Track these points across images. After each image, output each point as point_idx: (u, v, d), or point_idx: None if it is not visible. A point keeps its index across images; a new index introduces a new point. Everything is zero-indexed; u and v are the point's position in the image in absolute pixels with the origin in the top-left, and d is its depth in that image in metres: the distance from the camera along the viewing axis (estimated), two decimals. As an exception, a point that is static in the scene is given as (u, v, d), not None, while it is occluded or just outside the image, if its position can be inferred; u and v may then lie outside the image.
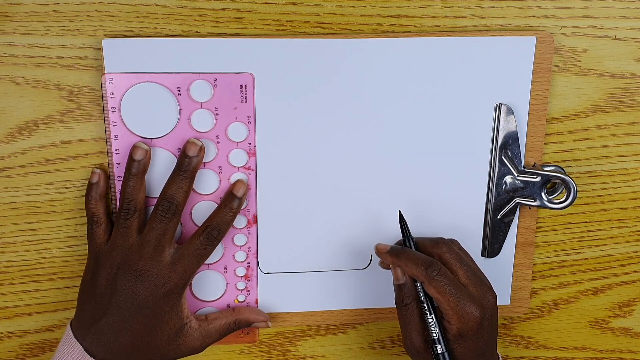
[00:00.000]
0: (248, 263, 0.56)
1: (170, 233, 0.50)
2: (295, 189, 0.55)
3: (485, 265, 0.56)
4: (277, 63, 0.51)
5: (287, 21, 0.51)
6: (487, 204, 0.57)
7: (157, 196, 0.51)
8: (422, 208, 0.56)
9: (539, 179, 0.56)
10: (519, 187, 0.56)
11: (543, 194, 0.56)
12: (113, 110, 0.51)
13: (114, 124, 0.51)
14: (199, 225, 0.53)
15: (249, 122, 0.53)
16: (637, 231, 0.61)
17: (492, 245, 0.58)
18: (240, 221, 0.55)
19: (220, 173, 0.53)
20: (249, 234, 0.55)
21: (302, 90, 0.52)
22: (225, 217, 0.52)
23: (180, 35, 0.51)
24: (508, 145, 0.55)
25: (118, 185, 0.52)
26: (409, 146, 0.55)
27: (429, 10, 0.52)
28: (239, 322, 0.55)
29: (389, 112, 0.54)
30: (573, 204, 0.56)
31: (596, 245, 0.61)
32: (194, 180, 0.52)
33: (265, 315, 0.56)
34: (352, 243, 0.57)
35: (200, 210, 0.54)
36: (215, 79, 0.51)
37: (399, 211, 0.54)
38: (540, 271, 0.61)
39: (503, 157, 0.55)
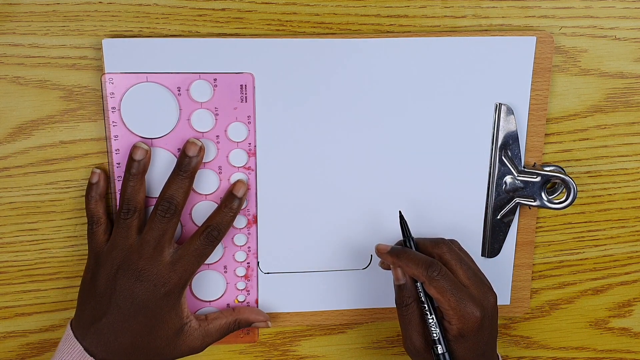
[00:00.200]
0: (248, 263, 0.56)
1: (170, 233, 0.50)
2: (295, 189, 0.55)
3: (485, 265, 0.56)
4: (277, 63, 0.51)
5: (287, 21, 0.51)
6: (487, 204, 0.57)
7: (157, 196, 0.51)
8: (422, 208, 0.56)
9: (539, 179, 0.56)
10: (519, 187, 0.56)
11: (543, 194, 0.56)
12: (113, 110, 0.51)
13: (114, 124, 0.51)
14: (199, 225, 0.53)
15: (249, 122, 0.53)
16: (637, 231, 0.61)
17: (492, 245, 0.58)
18: (240, 221, 0.55)
19: (220, 173, 0.53)
20: (249, 234, 0.55)
21: (302, 90, 0.52)
22: (225, 217, 0.52)
23: (180, 35, 0.51)
24: (508, 145, 0.55)
25: (118, 185, 0.52)
26: (409, 146, 0.55)
27: (429, 10, 0.52)
28: (239, 322, 0.55)
29: (388, 112, 0.54)
30: (573, 204, 0.56)
31: (596, 245, 0.61)
32: (194, 180, 0.52)
33: (265, 315, 0.56)
34: (352, 243, 0.57)
35: (200, 210, 0.54)
36: (215, 79, 0.51)
37: (399, 211, 0.54)
38: (540, 271, 0.61)
39: (503, 157, 0.55)
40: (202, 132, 0.52)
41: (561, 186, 0.57)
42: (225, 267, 0.56)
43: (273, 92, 0.52)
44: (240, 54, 0.51)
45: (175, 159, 0.52)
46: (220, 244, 0.53)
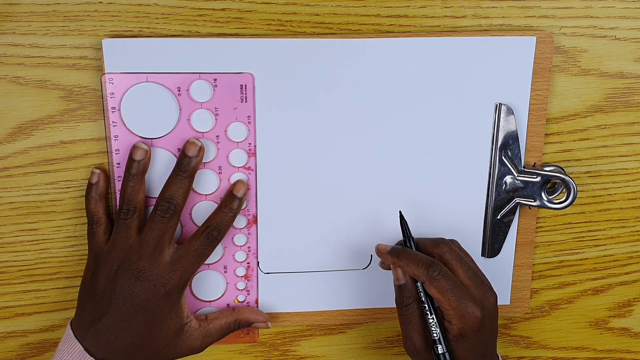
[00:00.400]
0: (248, 263, 0.56)
1: (170, 233, 0.50)
2: (295, 189, 0.55)
3: (485, 265, 0.56)
4: (277, 63, 0.51)
5: (287, 21, 0.51)
6: (487, 204, 0.57)
7: (157, 196, 0.51)
8: (422, 208, 0.56)
9: (539, 179, 0.56)
10: (519, 187, 0.56)
11: (543, 194, 0.56)
12: (113, 110, 0.51)
13: (114, 124, 0.51)
14: (199, 225, 0.53)
15: (249, 122, 0.53)
16: (637, 231, 0.61)
17: (492, 245, 0.58)
18: (240, 221, 0.55)
19: (220, 173, 0.53)
20: (249, 234, 0.55)
21: (302, 90, 0.52)
22: (225, 217, 0.52)
23: (180, 35, 0.51)
24: (508, 145, 0.55)
25: (118, 185, 0.52)
26: (409, 146, 0.55)
27: (429, 10, 0.52)
28: (239, 322, 0.55)
29: (388, 112, 0.54)
30: (573, 204, 0.56)
31: (596, 245, 0.61)
32: (194, 180, 0.52)
33: (265, 316, 0.56)
34: (352, 243, 0.57)
35: (200, 210, 0.54)
36: (215, 79, 0.51)
37: (400, 211, 0.54)
38: (540, 271, 0.61)
39: (503, 157, 0.55)
40: (202, 132, 0.52)
41: (561, 186, 0.57)
42: (225, 267, 0.56)
43: (273, 92, 0.52)
44: (240, 54, 0.51)
45: (175, 159, 0.52)
46: (220, 244, 0.53)
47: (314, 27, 0.52)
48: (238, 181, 0.53)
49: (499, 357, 0.54)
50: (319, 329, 0.61)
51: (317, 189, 0.55)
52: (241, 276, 0.56)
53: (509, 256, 0.59)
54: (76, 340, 0.50)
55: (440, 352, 0.50)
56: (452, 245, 0.53)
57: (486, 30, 0.53)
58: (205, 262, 0.52)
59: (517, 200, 0.56)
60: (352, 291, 0.58)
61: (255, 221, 0.55)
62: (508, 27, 0.53)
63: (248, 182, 0.54)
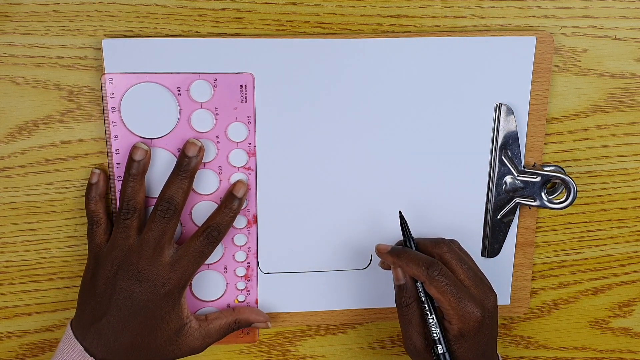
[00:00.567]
0: (248, 263, 0.56)
1: (170, 233, 0.50)
2: (295, 189, 0.55)
3: (485, 265, 0.56)
4: (277, 63, 0.51)
5: (287, 21, 0.51)
6: (487, 204, 0.57)
7: (157, 196, 0.51)
8: (422, 208, 0.56)
9: (539, 179, 0.56)
10: (519, 187, 0.56)
11: (543, 194, 0.56)
12: (113, 110, 0.51)
13: (114, 124, 0.51)
14: (199, 225, 0.53)
15: (249, 122, 0.53)
16: (637, 231, 0.61)
17: (492, 245, 0.58)
18: (240, 221, 0.55)
19: (220, 173, 0.53)
20: (249, 234, 0.55)
21: (302, 90, 0.52)
22: (225, 217, 0.52)
23: (180, 35, 0.51)
24: (508, 145, 0.55)
25: (118, 186, 0.52)
26: (409, 146, 0.55)
27: (429, 10, 0.52)
28: (239, 322, 0.55)
29: (388, 112, 0.54)
30: (573, 204, 0.56)
31: (596, 245, 0.61)
32: (194, 180, 0.52)
33: (265, 316, 0.56)
34: (352, 243, 0.57)
35: (200, 210, 0.54)
36: (215, 79, 0.51)
37: (400, 211, 0.54)
38: (540, 271, 0.61)
39: (503, 157, 0.55)
40: (202, 132, 0.52)
41: (561, 186, 0.57)
42: (225, 267, 0.56)
43: (273, 92, 0.52)
44: (240, 54, 0.51)
45: (175, 159, 0.52)
46: (220, 244, 0.53)
47: (314, 27, 0.52)
48: (238, 181, 0.53)
49: (499, 357, 0.54)
50: (319, 329, 0.61)
51: (317, 189, 0.55)
52: (241, 276, 0.56)
53: (509, 256, 0.59)
54: (76, 340, 0.50)
55: (440, 352, 0.50)
56: (452, 245, 0.53)
57: (486, 30, 0.53)
58: (205, 262, 0.52)
59: (517, 200, 0.56)
60: (352, 291, 0.58)
61: (255, 221, 0.55)
62: (508, 27, 0.53)
63: (248, 182, 0.54)
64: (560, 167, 0.57)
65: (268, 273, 0.57)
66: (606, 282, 0.62)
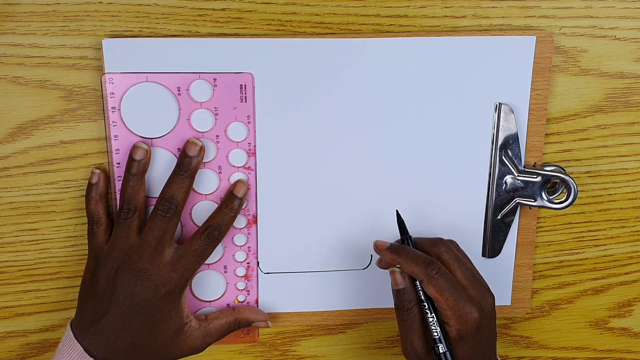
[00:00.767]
0: (248, 263, 0.56)
1: (170, 233, 0.50)
2: (295, 189, 0.55)
3: (486, 266, 0.56)
4: (277, 63, 0.52)
5: (287, 21, 0.51)
6: (487, 204, 0.57)
7: (157, 196, 0.51)
8: (422, 208, 0.56)
9: (539, 178, 0.56)
10: (519, 187, 0.56)
11: (543, 194, 0.56)
12: (113, 110, 0.51)
13: (114, 124, 0.51)
14: (199, 225, 0.53)
15: (249, 122, 0.53)
16: (637, 231, 0.61)
17: (493, 245, 0.58)
18: (240, 221, 0.55)
19: (220, 173, 0.53)
20: (249, 234, 0.55)
21: (302, 90, 0.52)
22: (225, 217, 0.52)
23: (180, 35, 0.51)
24: (508, 145, 0.55)
25: (118, 185, 0.52)
26: (409, 146, 0.55)
27: (429, 10, 0.52)
28: (239, 322, 0.55)
29: (388, 112, 0.54)
30: (573, 204, 0.56)
31: (596, 245, 0.61)
32: (194, 180, 0.52)
33: (265, 315, 0.56)
34: (352, 243, 0.57)
35: (200, 210, 0.54)
36: (215, 79, 0.51)
37: (397, 210, 0.54)
38: (540, 271, 0.61)
39: (503, 157, 0.55)
40: (202, 132, 0.52)
41: (561, 186, 0.57)
42: (225, 267, 0.56)
43: (273, 92, 0.52)
44: (240, 54, 0.51)
45: (175, 159, 0.52)
46: (220, 244, 0.53)
47: (314, 27, 0.52)
48: (238, 181, 0.53)
49: None
50: (319, 329, 0.61)
51: (317, 189, 0.55)
52: (241, 276, 0.56)
53: (509, 256, 0.59)
54: (76, 340, 0.50)
55: (441, 351, 0.49)
56: (450, 245, 0.52)
57: (486, 30, 0.53)
58: (206, 262, 0.52)
59: (517, 200, 0.56)
60: (352, 291, 0.58)
61: (255, 221, 0.55)
62: (508, 27, 0.53)
63: (248, 182, 0.54)
64: (560, 167, 0.57)
65: (268, 273, 0.57)
66: (606, 282, 0.62)
